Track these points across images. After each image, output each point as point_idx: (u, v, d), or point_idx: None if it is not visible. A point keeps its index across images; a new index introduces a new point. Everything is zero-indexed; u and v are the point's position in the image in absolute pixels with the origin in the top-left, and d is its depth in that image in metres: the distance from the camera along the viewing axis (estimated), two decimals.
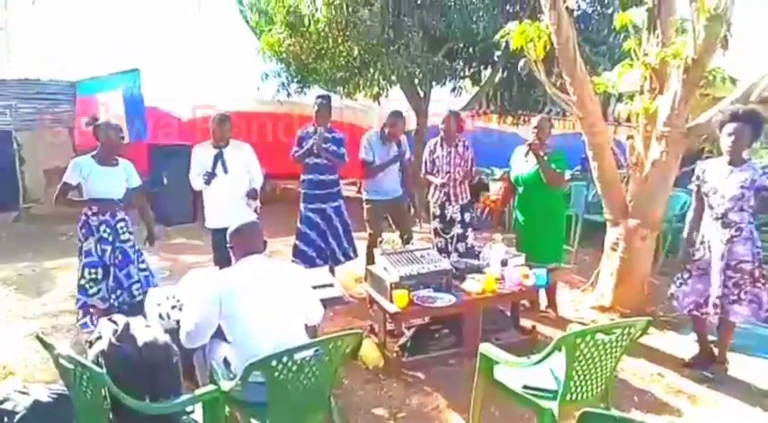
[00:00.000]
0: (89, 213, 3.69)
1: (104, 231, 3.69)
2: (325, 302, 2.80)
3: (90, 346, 2.31)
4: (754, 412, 3.02)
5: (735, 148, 3.11)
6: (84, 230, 3.71)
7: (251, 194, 4.12)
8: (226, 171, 4.08)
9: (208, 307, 2.37)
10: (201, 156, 4.13)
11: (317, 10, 6.76)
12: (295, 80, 7.65)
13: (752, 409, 3.05)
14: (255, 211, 4.19)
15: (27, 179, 8.30)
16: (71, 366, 2.02)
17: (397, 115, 4.56)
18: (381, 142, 4.51)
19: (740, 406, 3.08)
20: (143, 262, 3.91)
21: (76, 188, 3.69)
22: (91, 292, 3.70)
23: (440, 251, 4.39)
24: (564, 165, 4.16)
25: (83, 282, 3.72)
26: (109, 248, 3.70)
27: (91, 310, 3.72)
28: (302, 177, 4.64)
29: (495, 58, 7.50)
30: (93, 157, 3.70)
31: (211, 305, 2.36)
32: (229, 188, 4.08)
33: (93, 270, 3.69)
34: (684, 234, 3.52)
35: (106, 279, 3.69)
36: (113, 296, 3.69)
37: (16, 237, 7.09)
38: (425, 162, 4.63)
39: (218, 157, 4.08)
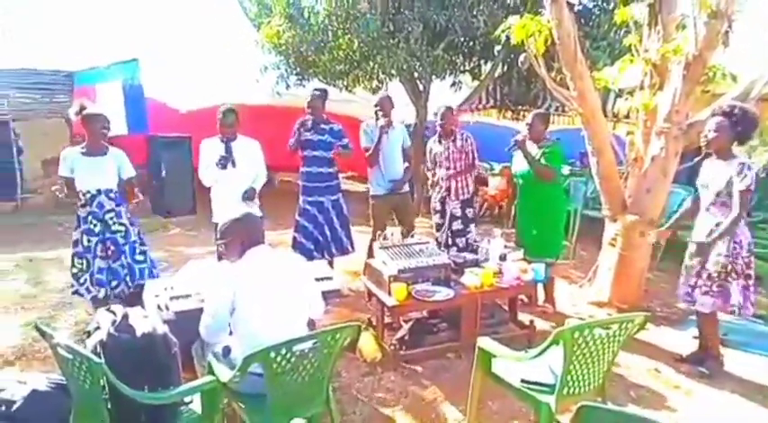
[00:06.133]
0: (78, 204, 3.72)
1: (91, 222, 3.70)
2: (324, 295, 2.80)
3: (88, 336, 2.31)
4: (750, 407, 3.04)
5: (708, 141, 3.18)
6: (75, 222, 3.77)
7: (248, 196, 4.09)
8: (234, 165, 4.07)
9: (223, 300, 2.36)
10: (210, 150, 4.13)
11: (317, 2, 6.73)
12: (294, 73, 7.59)
13: (747, 403, 3.07)
14: (260, 207, 4.19)
15: (25, 169, 8.28)
16: (69, 356, 2.02)
17: (383, 97, 4.69)
18: (378, 127, 4.52)
19: (736, 401, 3.10)
20: (142, 253, 3.89)
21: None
22: (81, 280, 3.77)
23: (440, 245, 4.40)
24: (559, 159, 4.14)
25: (74, 270, 3.80)
26: (95, 240, 3.72)
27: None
28: (301, 170, 4.63)
29: (496, 53, 7.47)
30: (81, 148, 3.69)
31: (226, 298, 2.34)
32: (237, 182, 4.09)
33: (79, 260, 3.77)
34: (675, 216, 3.69)
35: (89, 271, 3.73)
36: (98, 288, 3.71)
37: (14, 227, 7.08)
38: (426, 159, 4.67)
39: (228, 149, 4.08)
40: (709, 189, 3.22)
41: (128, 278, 3.78)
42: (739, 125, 3.13)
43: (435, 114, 4.57)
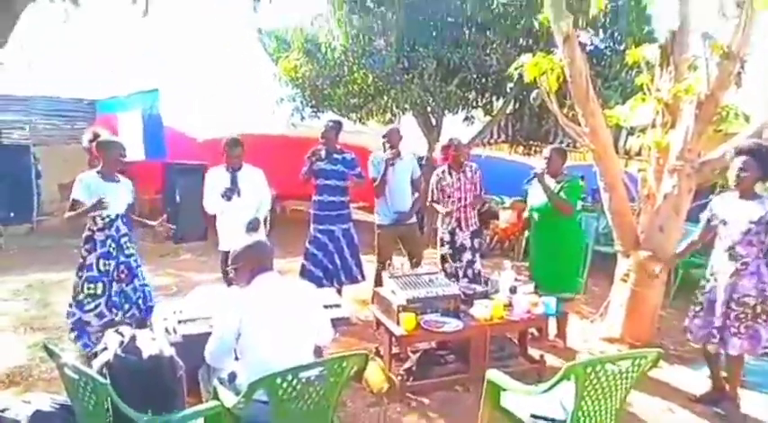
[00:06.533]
0: (94, 228, 3.69)
1: (110, 246, 3.69)
2: (333, 323, 2.78)
3: (95, 357, 2.31)
4: None
5: (739, 181, 3.14)
6: (88, 245, 3.70)
7: (252, 226, 4.15)
8: (239, 195, 4.15)
9: (229, 325, 2.35)
10: (216, 179, 4.22)
11: (334, 38, 6.92)
12: (309, 105, 7.76)
13: None
14: (268, 236, 4.23)
15: (42, 193, 8.44)
16: (76, 376, 2.02)
17: (391, 129, 4.80)
18: (384, 159, 4.58)
19: None
20: (143, 278, 3.92)
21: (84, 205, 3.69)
22: (87, 307, 3.65)
23: (448, 277, 4.37)
24: (576, 194, 4.15)
25: (81, 297, 3.68)
26: (113, 263, 3.70)
27: (87, 327, 3.67)
28: (313, 198, 4.68)
29: (508, 90, 7.59)
30: (97, 172, 3.72)
31: (233, 323, 2.34)
32: (242, 211, 4.16)
33: (92, 285, 3.66)
34: (684, 243, 3.69)
35: (105, 295, 3.67)
36: (116, 311, 3.67)
37: (28, 249, 7.16)
38: (432, 191, 4.67)
39: (234, 179, 4.16)
40: (733, 227, 3.15)
41: (140, 301, 3.79)
42: (766, 163, 3.12)
43: (443, 148, 4.65)
